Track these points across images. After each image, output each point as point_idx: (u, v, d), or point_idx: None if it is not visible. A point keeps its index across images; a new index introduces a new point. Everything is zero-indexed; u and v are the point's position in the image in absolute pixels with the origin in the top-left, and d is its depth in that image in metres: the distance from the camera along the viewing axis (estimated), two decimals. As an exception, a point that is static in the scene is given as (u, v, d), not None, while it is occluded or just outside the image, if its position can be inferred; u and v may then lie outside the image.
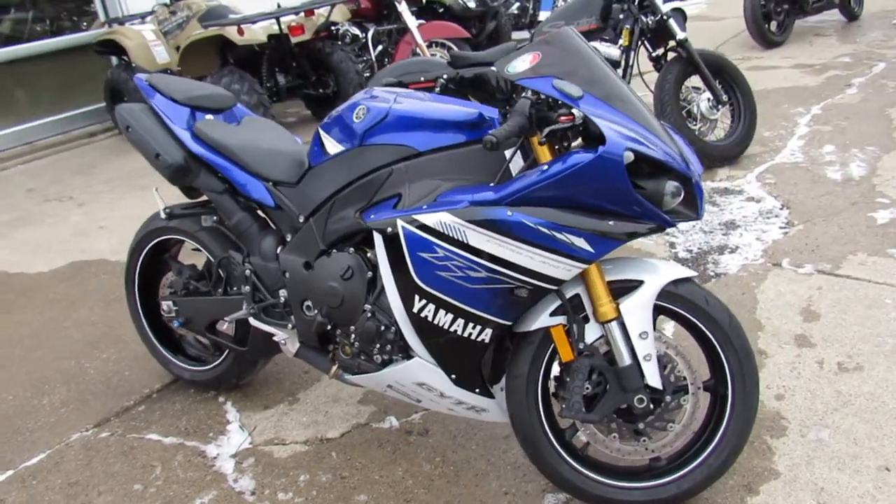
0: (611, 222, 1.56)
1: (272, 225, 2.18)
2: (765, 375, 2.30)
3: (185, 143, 2.14)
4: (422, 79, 4.26)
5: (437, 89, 4.25)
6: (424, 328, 1.76)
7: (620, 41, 3.95)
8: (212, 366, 2.48)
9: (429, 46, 6.18)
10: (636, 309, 1.69)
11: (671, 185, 1.57)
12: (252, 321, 2.19)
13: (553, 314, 1.74)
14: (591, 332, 1.74)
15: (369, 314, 1.88)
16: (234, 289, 2.24)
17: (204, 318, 2.34)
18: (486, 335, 1.73)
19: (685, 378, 1.77)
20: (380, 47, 6.26)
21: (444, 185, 1.75)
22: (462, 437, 2.20)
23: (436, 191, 1.74)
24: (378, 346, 1.89)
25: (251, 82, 5.10)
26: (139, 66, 5.64)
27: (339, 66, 5.69)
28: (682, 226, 3.46)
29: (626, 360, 1.70)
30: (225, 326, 2.39)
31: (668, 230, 3.26)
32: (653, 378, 1.71)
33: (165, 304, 2.42)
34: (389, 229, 1.71)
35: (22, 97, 6.70)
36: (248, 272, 2.16)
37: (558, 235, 1.57)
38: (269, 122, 2.37)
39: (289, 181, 2.06)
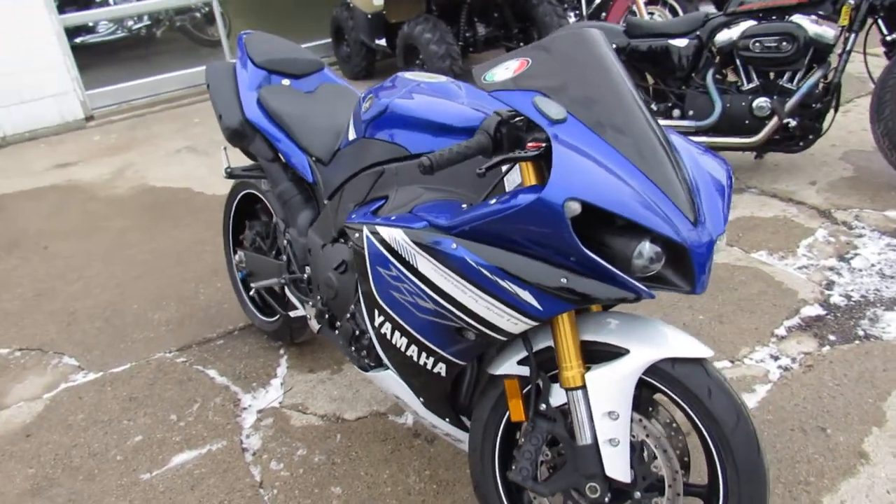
0: (563, 280, 1.28)
1: (315, 199, 2.16)
2: (850, 486, 1.80)
3: (244, 107, 2.18)
4: (589, 46, 3.87)
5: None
6: (385, 345, 1.64)
7: (840, 19, 3.18)
8: (272, 320, 2.59)
9: (651, 3, 5.59)
10: (606, 383, 1.39)
11: (647, 249, 1.23)
12: (287, 290, 2.22)
13: (521, 362, 1.51)
14: (559, 395, 1.48)
15: (349, 315, 1.80)
16: (281, 255, 2.28)
17: (258, 276, 2.43)
18: (441, 369, 1.55)
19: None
20: (596, 1, 5.81)
21: (427, 195, 1.57)
22: (463, 456, 2.05)
23: (415, 200, 1.57)
24: (354, 349, 1.81)
25: (443, 32, 5.06)
26: (356, 6, 5.89)
27: (544, 20, 5.40)
28: (855, 262, 2.78)
29: (587, 438, 1.42)
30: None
31: (816, 268, 2.66)
32: (615, 468, 1.41)
33: (237, 255, 2.55)
34: (357, 234, 1.59)
35: (270, 27, 7.41)
36: (285, 242, 2.18)
37: (501, 283, 1.32)
38: (348, 92, 2.31)
39: (324, 159, 2.01)
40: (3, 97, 5.50)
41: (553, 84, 1.33)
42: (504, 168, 1.47)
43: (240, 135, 2.20)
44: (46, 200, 4.44)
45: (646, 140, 1.29)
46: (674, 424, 1.50)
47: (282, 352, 2.65)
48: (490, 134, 1.35)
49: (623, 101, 1.32)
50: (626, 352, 1.40)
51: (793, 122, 3.28)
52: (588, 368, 1.42)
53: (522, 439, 1.51)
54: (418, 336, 1.52)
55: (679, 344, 1.40)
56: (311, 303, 2.12)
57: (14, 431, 2.36)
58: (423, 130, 1.61)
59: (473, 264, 1.33)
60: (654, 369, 1.40)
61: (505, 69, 1.37)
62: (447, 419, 1.71)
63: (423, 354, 1.55)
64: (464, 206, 1.46)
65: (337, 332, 1.87)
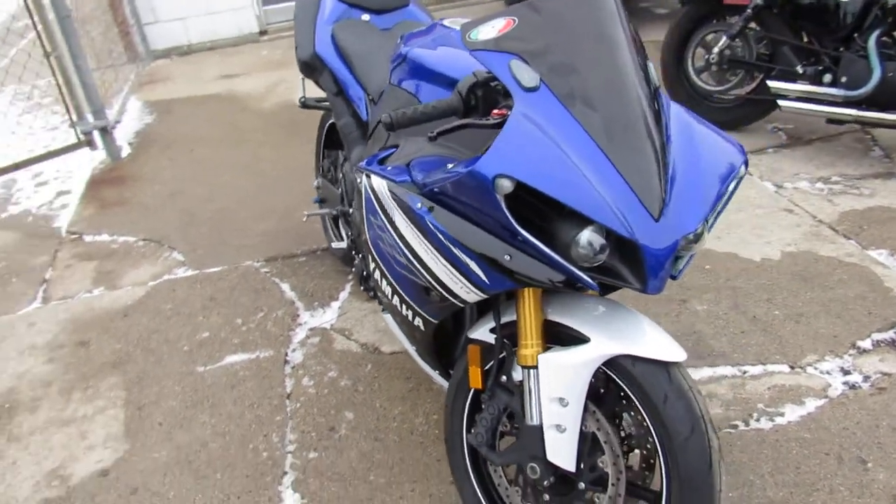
0: (507, 256, 1.23)
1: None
2: (866, 529, 1.60)
3: (317, 40, 2.24)
4: (736, -9, 3.51)
5: (749, 10, 3.48)
6: (379, 290, 1.68)
7: None
8: (340, 246, 2.72)
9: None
10: (558, 368, 1.34)
11: (586, 237, 1.15)
12: (339, 222, 2.32)
13: (493, 331, 1.49)
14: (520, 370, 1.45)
15: (361, 256, 1.85)
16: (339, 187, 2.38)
17: (327, 203, 2.55)
18: (420, 323, 1.57)
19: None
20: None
21: (427, 149, 1.55)
22: (473, 408, 2.08)
23: (416, 153, 1.56)
24: (364, 289, 1.86)
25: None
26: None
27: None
28: None
29: (534, 419, 1.39)
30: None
31: None
32: (557, 454, 1.37)
33: (317, 180, 2.69)
34: (359, 179, 1.62)
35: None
36: (341, 175, 2.26)
37: (454, 249, 1.30)
38: (423, 30, 2.29)
39: (375, 99, 2.03)
40: (191, 8, 6.05)
41: (536, 47, 1.24)
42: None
43: (310, 67, 2.28)
44: (206, 108, 4.90)
45: (622, 117, 1.18)
46: (644, 423, 1.41)
47: (349, 277, 2.79)
48: (462, 95, 1.30)
49: (610, 71, 1.21)
50: (587, 340, 1.33)
51: (965, 103, 2.75)
52: (548, 349, 1.37)
53: (483, 406, 1.51)
54: (398, 288, 1.55)
55: (647, 343, 1.31)
56: (350, 237, 2.20)
57: (117, 310, 2.73)
58: (434, 83, 1.58)
59: (432, 226, 1.32)
60: (615, 365, 1.32)
61: (491, 27, 1.30)
62: (437, 371, 1.74)
63: (404, 307, 1.58)
64: (449, 165, 1.43)
65: (353, 269, 1.95)
